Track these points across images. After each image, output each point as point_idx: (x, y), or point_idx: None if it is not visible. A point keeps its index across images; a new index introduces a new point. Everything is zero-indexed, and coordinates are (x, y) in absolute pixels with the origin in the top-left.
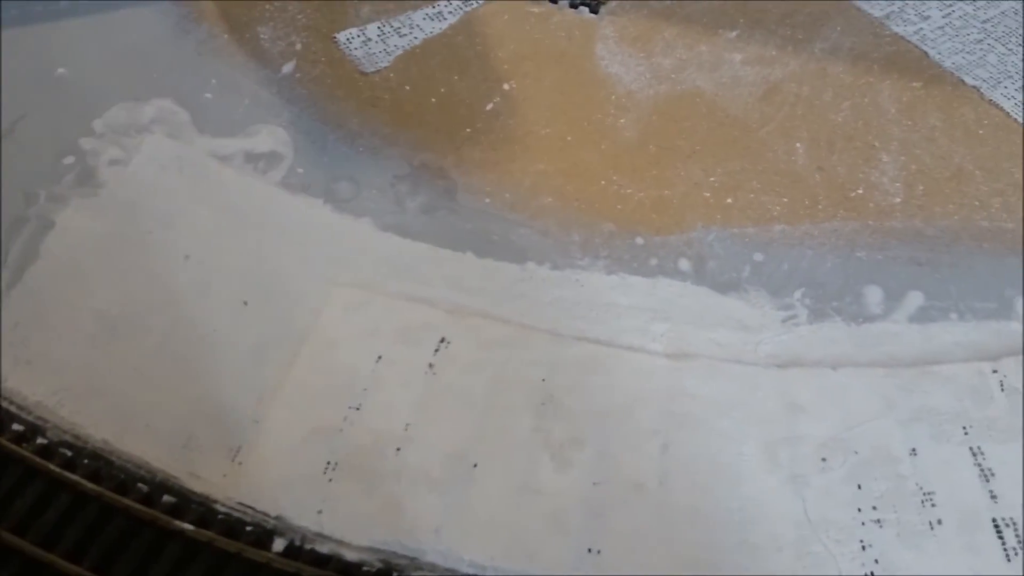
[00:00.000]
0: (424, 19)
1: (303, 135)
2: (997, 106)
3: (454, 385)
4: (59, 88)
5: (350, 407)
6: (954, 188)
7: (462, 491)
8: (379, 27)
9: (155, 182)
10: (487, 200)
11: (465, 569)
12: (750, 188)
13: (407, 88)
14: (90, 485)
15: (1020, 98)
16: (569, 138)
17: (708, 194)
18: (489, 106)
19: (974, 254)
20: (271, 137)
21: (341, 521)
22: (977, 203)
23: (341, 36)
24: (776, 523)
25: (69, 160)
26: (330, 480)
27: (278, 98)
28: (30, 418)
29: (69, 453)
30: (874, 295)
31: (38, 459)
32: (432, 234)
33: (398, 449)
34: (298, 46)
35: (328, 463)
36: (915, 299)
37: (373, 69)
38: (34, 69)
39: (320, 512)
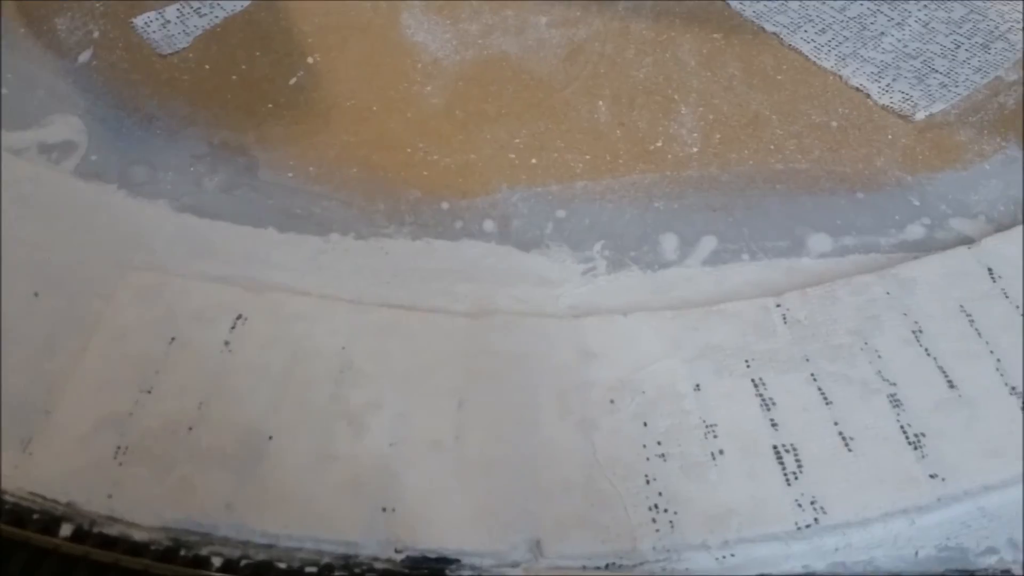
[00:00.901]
0: None
1: (98, 122)
2: (797, 51)
3: (250, 361)
4: None
5: (141, 391)
6: (750, 134)
7: (255, 465)
8: (179, 9)
9: None
10: (290, 175)
11: (257, 540)
12: (554, 148)
13: (207, 67)
14: None
15: (820, 41)
16: (375, 108)
17: (513, 156)
18: (292, 80)
19: (767, 196)
20: (65, 126)
21: (132, 503)
22: (772, 147)
23: (139, 20)
24: (566, 467)
25: None
26: (120, 464)
27: (74, 87)
28: None
29: None
30: (670, 242)
31: None
32: (232, 212)
33: (190, 429)
34: (96, 34)
35: (118, 448)
36: (708, 243)
37: (171, 51)
38: None
39: (110, 496)
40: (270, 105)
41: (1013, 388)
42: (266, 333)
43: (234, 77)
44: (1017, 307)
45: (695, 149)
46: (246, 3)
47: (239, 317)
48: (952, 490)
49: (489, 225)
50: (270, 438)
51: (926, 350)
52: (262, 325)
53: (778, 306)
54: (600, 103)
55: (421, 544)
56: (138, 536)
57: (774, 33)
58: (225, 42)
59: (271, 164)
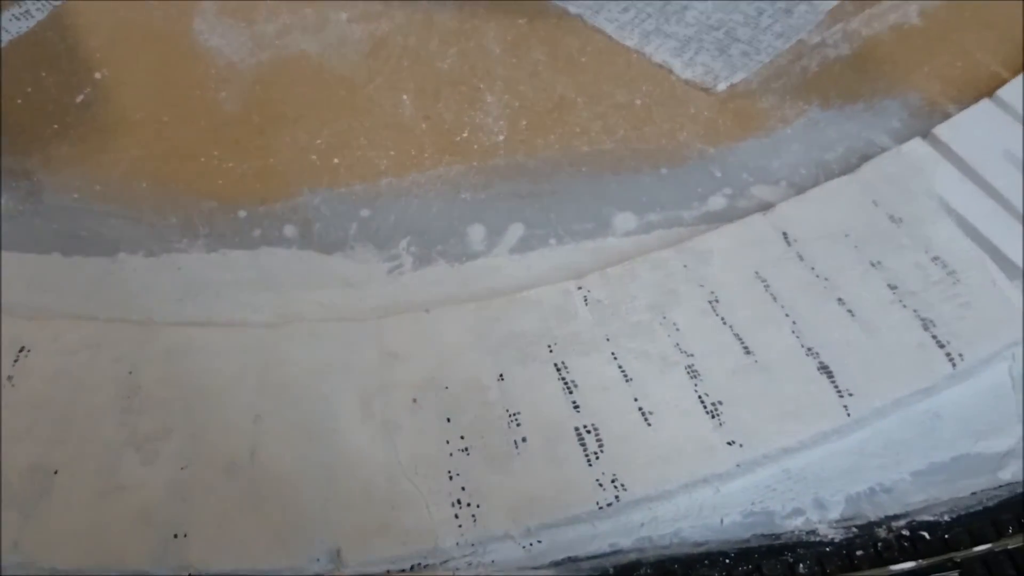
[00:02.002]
0: (10, 20)
1: None
2: (601, 31)
3: (33, 395)
4: None
5: None
6: (556, 119)
7: (40, 501)
8: None
9: None
10: (75, 195)
11: None
12: (357, 145)
13: None
14: None
15: (624, 19)
16: (165, 119)
17: (315, 157)
18: (79, 98)
19: (574, 179)
20: None
21: None
22: (578, 129)
23: None
24: (368, 471)
25: None
26: None
27: None
28: None
29: None
30: (477, 233)
31: None
32: (15, 241)
33: None
34: None
35: None
36: (516, 231)
37: None
38: None
39: None
40: (56, 125)
41: (809, 349)
42: (50, 365)
43: (19, 101)
44: (812, 268)
45: (501, 137)
46: (31, 23)
47: (22, 350)
48: (750, 455)
49: (290, 230)
50: (55, 472)
51: (722, 319)
52: (45, 356)
53: (579, 288)
54: (404, 97)
55: (215, 568)
56: None
57: (578, 15)
58: (10, 65)
59: (56, 187)
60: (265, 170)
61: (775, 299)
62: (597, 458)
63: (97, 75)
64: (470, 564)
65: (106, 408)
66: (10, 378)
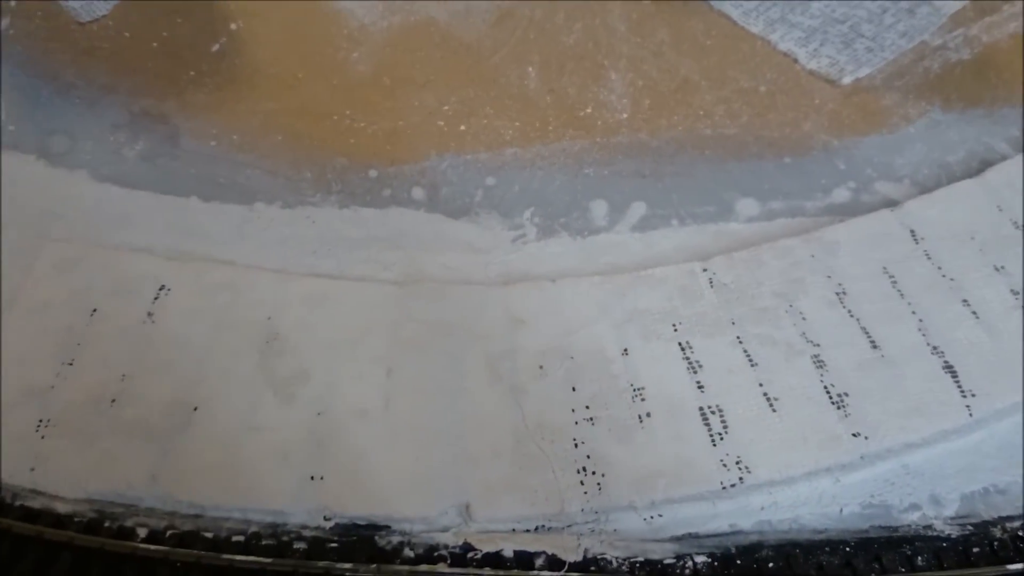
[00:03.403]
0: None
1: (15, 91)
2: (725, 16)
3: (174, 332)
4: None
5: (63, 363)
6: (680, 100)
7: (180, 436)
8: None
9: None
10: (213, 143)
11: (184, 510)
12: (483, 114)
13: (127, 35)
14: None
15: (748, 6)
16: (300, 75)
17: (442, 123)
18: (215, 47)
19: (696, 162)
20: None
21: (55, 476)
22: (701, 112)
23: None
24: (495, 432)
25: None
26: (43, 437)
27: None
28: None
29: None
30: (599, 209)
31: None
32: (153, 182)
33: (113, 400)
34: (13, 2)
35: (40, 421)
36: (638, 209)
37: (90, 18)
38: None
39: (33, 469)
40: (192, 73)
41: (935, 348)
42: (189, 304)
43: (155, 44)
44: (939, 268)
45: (625, 115)
46: None
47: (162, 288)
48: (875, 448)
49: (418, 193)
50: (195, 409)
51: (849, 312)
52: (185, 296)
53: (705, 270)
54: (529, 69)
55: (350, 511)
56: (62, 508)
57: None
58: (145, 9)
59: (193, 132)
60: (394, 132)
61: (902, 295)
62: (722, 439)
63: (232, 26)
64: (592, 531)
65: (245, 350)
66: (150, 314)
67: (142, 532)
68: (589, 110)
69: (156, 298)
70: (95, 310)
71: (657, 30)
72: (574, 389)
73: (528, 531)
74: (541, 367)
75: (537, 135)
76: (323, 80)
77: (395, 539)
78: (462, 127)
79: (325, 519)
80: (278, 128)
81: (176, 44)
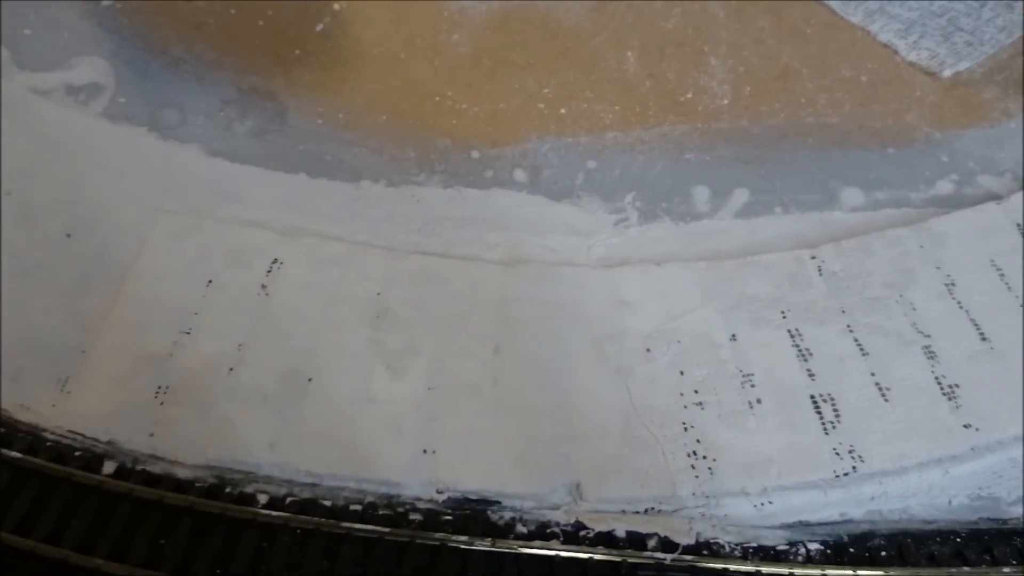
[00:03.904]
0: None
1: (125, 64)
2: (825, 5)
3: (288, 304)
4: None
5: (181, 332)
6: (781, 87)
7: (296, 405)
8: None
9: None
10: (319, 121)
11: (302, 479)
12: (583, 98)
13: (232, 12)
14: None
15: None
16: (402, 56)
17: (542, 105)
18: (319, 26)
19: (799, 149)
20: (91, 68)
21: (174, 442)
22: (803, 100)
23: None
24: (603, 412)
25: None
26: (162, 404)
27: (99, 29)
28: None
29: None
30: (701, 194)
31: None
32: (263, 157)
33: (231, 369)
34: None
35: (159, 387)
36: (741, 196)
37: None
38: None
39: (152, 435)
40: (297, 51)
41: None
42: (302, 277)
43: (260, 22)
44: None
45: (726, 101)
46: None
47: (275, 261)
48: (985, 440)
49: (519, 174)
50: (310, 380)
51: (959, 303)
52: (297, 269)
53: (813, 258)
54: (629, 54)
55: (462, 485)
56: (182, 474)
57: None
58: None
59: (300, 110)
60: (495, 114)
61: (1010, 288)
62: (834, 427)
63: (336, 6)
64: (703, 516)
65: (356, 323)
66: (264, 287)
67: (262, 498)
68: (689, 95)
69: (269, 271)
70: (210, 281)
71: (757, 17)
72: (682, 373)
73: (637, 512)
74: (648, 350)
75: (637, 119)
76: (425, 61)
77: (507, 515)
78: (562, 110)
79: (438, 492)
80: (382, 107)
81: (281, 22)
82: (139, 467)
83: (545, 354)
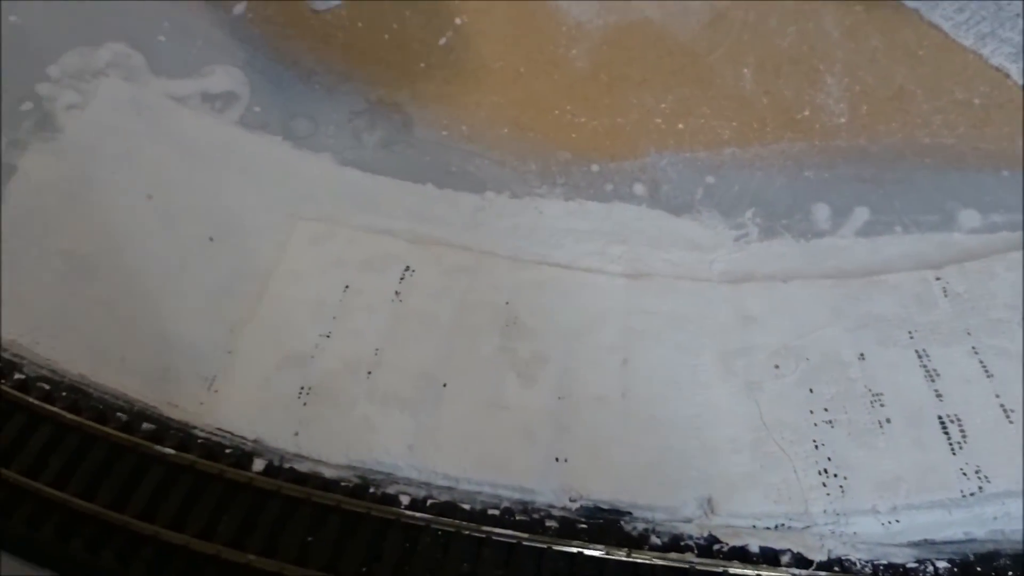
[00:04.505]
0: None
1: (258, 74)
2: (937, 27)
3: (420, 310)
4: (11, 35)
5: (320, 335)
6: (896, 107)
7: (432, 409)
8: None
9: (113, 125)
10: (444, 133)
11: (439, 481)
12: (700, 113)
13: (359, 25)
14: (70, 416)
15: (959, 19)
16: (522, 70)
17: (660, 120)
18: (442, 40)
19: (917, 170)
20: (226, 77)
21: (317, 441)
22: (919, 121)
23: None
24: (733, 427)
25: (27, 106)
26: (304, 404)
27: (231, 38)
28: (5, 355)
29: (47, 387)
30: (822, 212)
31: (17, 393)
32: (391, 167)
33: (369, 373)
34: None
35: (302, 388)
36: (861, 214)
37: (325, 7)
38: None
39: (296, 434)
40: (422, 64)
41: None
42: (433, 285)
43: (386, 36)
44: None
45: (843, 120)
46: None
47: (407, 268)
48: None
49: (639, 188)
50: (444, 385)
51: None
52: (428, 277)
53: (938, 279)
54: (745, 70)
55: (595, 495)
56: (327, 474)
57: (914, 9)
58: (375, 1)
59: (426, 122)
60: (614, 128)
61: None
62: (960, 448)
63: (457, 20)
64: (832, 533)
65: (487, 330)
66: (397, 293)
67: (404, 500)
68: (807, 113)
69: (402, 278)
70: (347, 286)
71: (870, 37)
72: (811, 391)
73: (768, 528)
74: (777, 366)
75: (755, 136)
76: (544, 75)
77: (640, 526)
78: (680, 125)
79: (571, 500)
80: (504, 120)
81: (406, 36)
82: (287, 465)
83: (673, 367)
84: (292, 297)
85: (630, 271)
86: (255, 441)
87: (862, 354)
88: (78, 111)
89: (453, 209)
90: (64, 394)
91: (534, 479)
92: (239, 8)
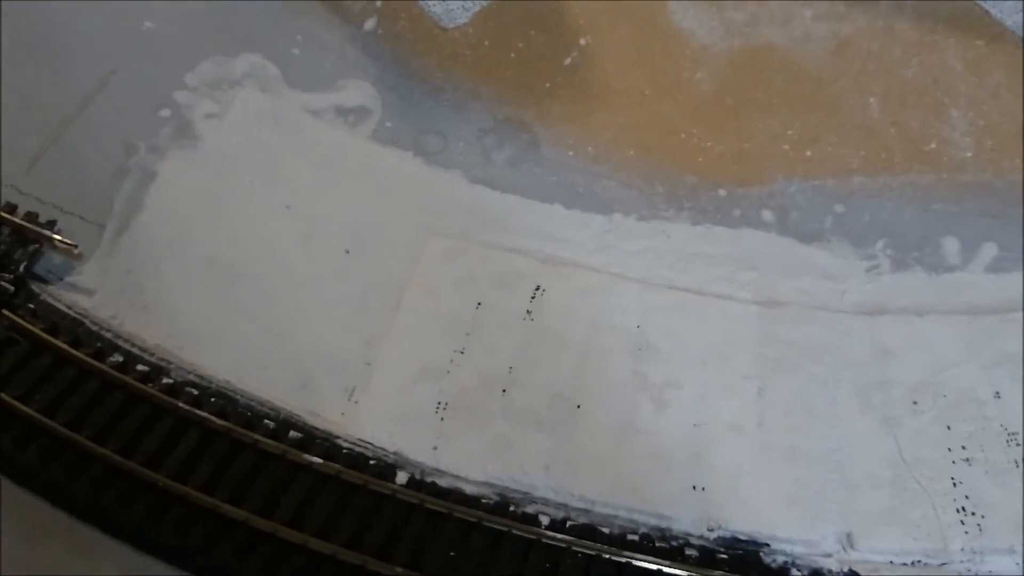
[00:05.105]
0: None
1: (389, 90)
2: None
3: (552, 330)
4: (147, 42)
5: (455, 350)
6: (1021, 143)
7: (567, 430)
8: None
9: (251, 135)
10: (570, 153)
11: (575, 503)
12: (828, 141)
13: (486, 43)
14: (219, 421)
15: None
16: (647, 92)
17: (787, 147)
18: (567, 60)
19: None
20: (359, 92)
21: (455, 457)
22: None
23: None
24: (872, 462)
25: (165, 113)
26: (442, 419)
27: (363, 54)
28: (152, 359)
29: (195, 392)
30: (951, 246)
31: (166, 397)
32: (519, 186)
33: (504, 390)
34: (378, 3)
35: (439, 403)
36: (990, 250)
37: (453, 25)
38: (121, 23)
39: (435, 448)
40: (548, 84)
41: None
42: (564, 305)
43: (512, 55)
44: None
45: (969, 154)
46: None
47: (537, 288)
48: None
49: (767, 215)
50: (578, 406)
51: None
52: (559, 296)
53: None
54: (871, 100)
55: (733, 525)
56: (468, 489)
57: None
58: (501, 19)
59: (552, 141)
60: (740, 153)
61: None
62: None
63: (582, 41)
64: (968, 571)
65: (618, 353)
66: (529, 312)
67: (544, 520)
68: (933, 145)
69: (533, 297)
70: (480, 303)
71: (993, 71)
72: (949, 428)
73: (905, 564)
74: (915, 402)
75: (883, 166)
76: (669, 98)
77: (779, 558)
78: (807, 152)
79: (708, 529)
80: (629, 142)
81: (531, 55)
82: (428, 479)
83: (810, 399)
84: (426, 312)
85: (762, 298)
86: (395, 453)
87: (997, 392)
88: (216, 120)
89: (581, 230)
90: (212, 400)
91: (671, 506)
92: (370, 23)
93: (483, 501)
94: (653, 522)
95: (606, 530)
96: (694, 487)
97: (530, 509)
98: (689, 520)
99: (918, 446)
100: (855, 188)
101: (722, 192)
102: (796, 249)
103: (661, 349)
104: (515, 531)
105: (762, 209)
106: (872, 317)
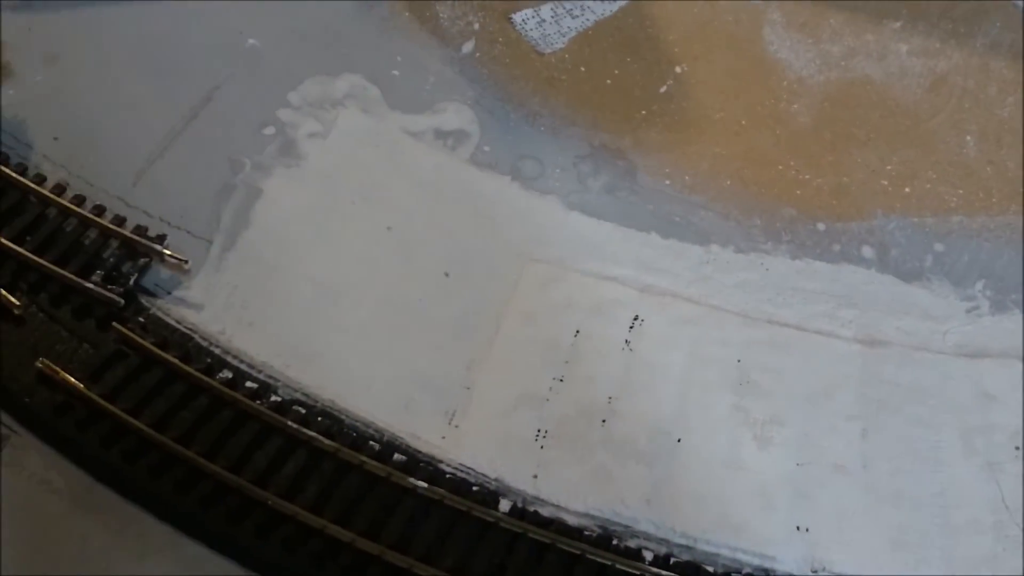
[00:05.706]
0: (595, 1)
1: (487, 114)
2: None
3: (651, 361)
4: (252, 59)
5: (554, 378)
6: None
7: (668, 464)
8: (552, 8)
9: (352, 156)
10: (667, 182)
11: (676, 539)
12: (926, 178)
13: (582, 69)
14: (327, 442)
15: None
16: (744, 122)
17: (886, 182)
18: (663, 88)
19: None
20: (457, 115)
21: (556, 486)
22: None
23: (516, 17)
24: (975, 507)
25: (270, 131)
26: (542, 447)
27: (461, 77)
28: (260, 376)
29: (302, 411)
30: None
31: (275, 415)
32: (615, 214)
33: (603, 421)
34: (476, 26)
35: (538, 430)
36: None
37: (549, 50)
38: (225, 39)
39: (535, 476)
40: (644, 112)
41: None
42: (662, 335)
43: (608, 81)
44: None
45: None
46: (615, 7)
47: (636, 317)
48: None
49: (867, 251)
50: (679, 440)
51: None
52: (658, 327)
53: None
54: (968, 138)
55: (838, 567)
56: (569, 520)
57: None
58: (597, 45)
59: (648, 169)
60: (839, 187)
61: None
62: None
63: (678, 69)
64: None
65: (719, 387)
66: (628, 342)
67: (648, 555)
68: None
69: (631, 327)
70: (578, 331)
71: None
72: None
73: None
74: (1017, 448)
75: (982, 205)
76: (766, 129)
77: None
78: (906, 189)
79: (812, 571)
80: (726, 172)
81: (627, 82)
82: (531, 508)
83: (914, 442)
84: (525, 338)
85: (863, 337)
86: (496, 480)
87: None
88: (320, 139)
89: (679, 260)
90: (319, 419)
91: (775, 546)
92: (468, 46)
93: (586, 533)
94: (756, 562)
95: (710, 568)
96: (798, 527)
97: (632, 543)
98: (793, 561)
99: (1020, 493)
100: (954, 227)
101: (821, 226)
102: (897, 287)
103: (763, 385)
104: (619, 566)
105: (862, 245)
106: (975, 360)
